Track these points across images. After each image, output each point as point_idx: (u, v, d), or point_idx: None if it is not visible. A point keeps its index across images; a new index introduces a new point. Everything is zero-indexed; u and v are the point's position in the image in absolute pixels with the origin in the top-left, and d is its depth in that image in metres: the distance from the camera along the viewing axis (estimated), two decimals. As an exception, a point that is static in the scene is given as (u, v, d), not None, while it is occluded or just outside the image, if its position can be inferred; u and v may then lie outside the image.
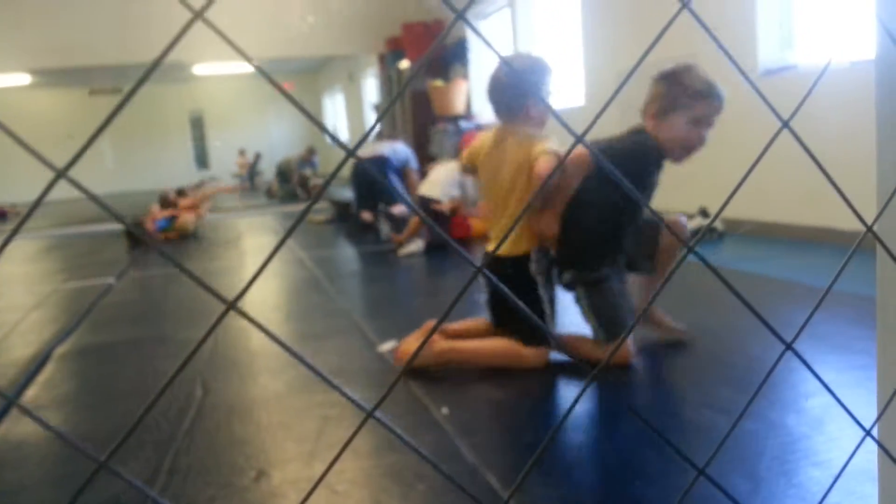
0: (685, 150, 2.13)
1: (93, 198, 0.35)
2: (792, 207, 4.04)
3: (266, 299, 3.67)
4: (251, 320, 0.41)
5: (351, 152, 0.38)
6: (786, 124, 0.49)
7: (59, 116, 16.23)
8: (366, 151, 6.02)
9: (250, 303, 3.50)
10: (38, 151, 0.34)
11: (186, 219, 6.69)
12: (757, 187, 4.12)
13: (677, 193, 4.47)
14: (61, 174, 0.34)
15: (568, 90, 6.52)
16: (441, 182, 4.89)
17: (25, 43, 9.22)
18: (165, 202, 6.91)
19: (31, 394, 2.28)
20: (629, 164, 2.05)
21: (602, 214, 2.18)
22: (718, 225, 4.26)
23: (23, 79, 11.55)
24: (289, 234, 0.37)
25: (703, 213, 4.28)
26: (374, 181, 5.67)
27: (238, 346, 2.66)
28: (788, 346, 0.50)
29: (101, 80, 15.45)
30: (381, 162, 5.83)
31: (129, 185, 16.86)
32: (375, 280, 4.22)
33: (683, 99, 2.06)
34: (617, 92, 0.49)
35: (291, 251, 5.16)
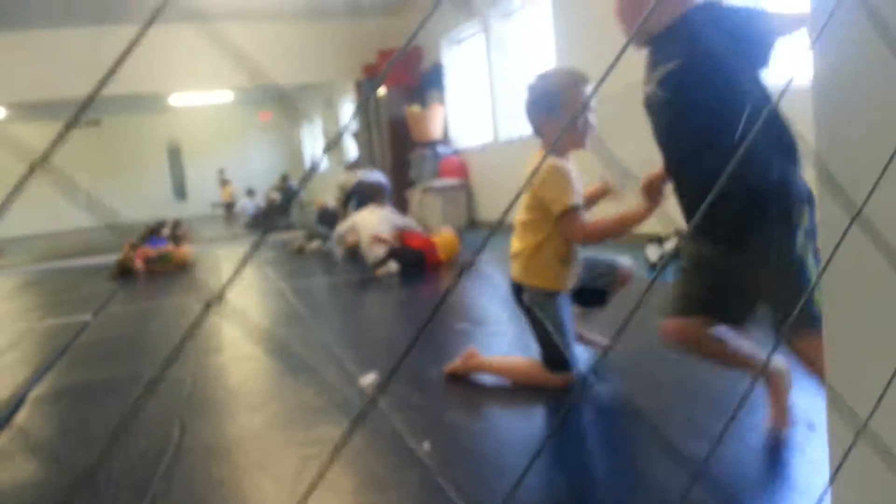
0: None
1: None
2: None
3: (245, 334, 3.63)
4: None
5: (269, 224, 0.38)
6: (723, 182, 0.49)
7: (38, 149, 16.08)
8: (357, 179, 6.14)
9: (229, 337, 3.47)
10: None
11: (185, 251, 6.64)
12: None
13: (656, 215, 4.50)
14: None
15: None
16: (375, 234, 5.08)
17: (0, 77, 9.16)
18: (158, 233, 6.87)
19: (3, 441, 2.23)
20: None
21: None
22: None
23: (-5, 112, 11.47)
24: (230, 282, 0.37)
25: (680, 234, 4.31)
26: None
27: (216, 385, 2.63)
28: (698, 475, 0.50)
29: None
30: (381, 189, 5.93)
31: (106, 217, 16.69)
32: (356, 310, 4.20)
33: None
34: (583, 109, 0.50)
35: (272, 282, 5.13)
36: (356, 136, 10.82)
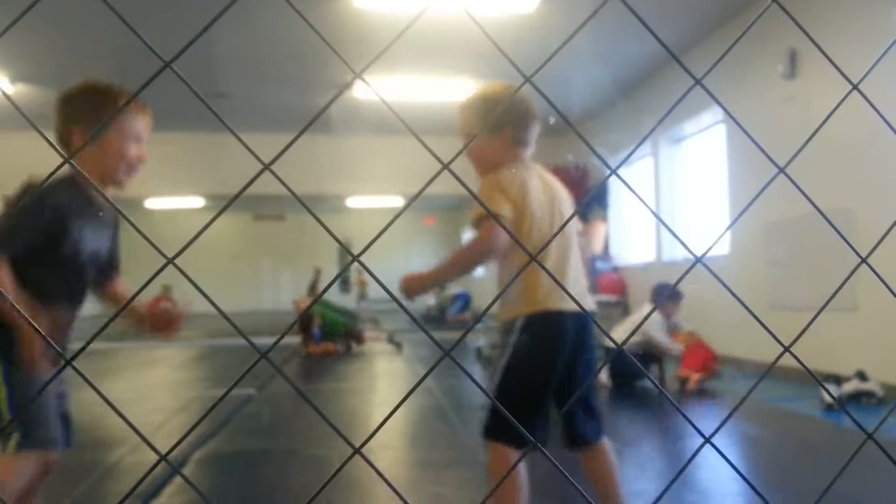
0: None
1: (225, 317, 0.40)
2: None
3: (391, 425, 3.69)
4: None
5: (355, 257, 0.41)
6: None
7: (227, 237, 17.84)
8: None
9: (377, 423, 3.54)
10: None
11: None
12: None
13: (835, 354, 4.15)
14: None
15: (713, 238, 6.40)
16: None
17: (201, 171, 10.39)
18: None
19: (167, 492, 2.39)
20: None
21: None
22: (878, 390, 3.89)
23: (197, 202, 12.85)
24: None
25: (861, 376, 3.93)
26: None
27: (360, 468, 2.68)
28: None
29: (265, 207, 17.02)
30: None
31: (277, 303, 17.93)
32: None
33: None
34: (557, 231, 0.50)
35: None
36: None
